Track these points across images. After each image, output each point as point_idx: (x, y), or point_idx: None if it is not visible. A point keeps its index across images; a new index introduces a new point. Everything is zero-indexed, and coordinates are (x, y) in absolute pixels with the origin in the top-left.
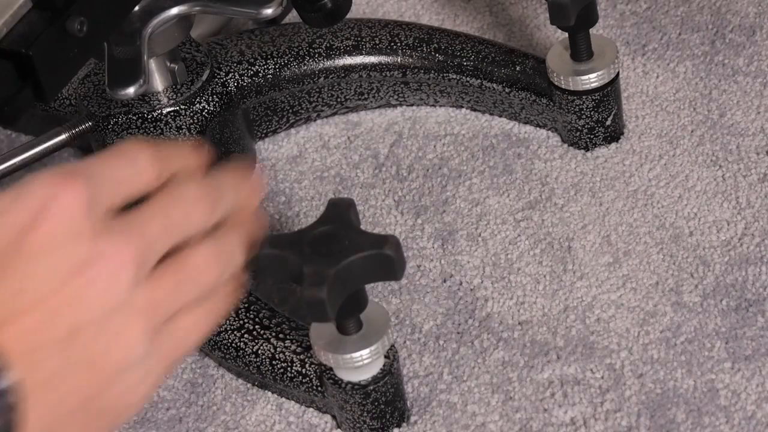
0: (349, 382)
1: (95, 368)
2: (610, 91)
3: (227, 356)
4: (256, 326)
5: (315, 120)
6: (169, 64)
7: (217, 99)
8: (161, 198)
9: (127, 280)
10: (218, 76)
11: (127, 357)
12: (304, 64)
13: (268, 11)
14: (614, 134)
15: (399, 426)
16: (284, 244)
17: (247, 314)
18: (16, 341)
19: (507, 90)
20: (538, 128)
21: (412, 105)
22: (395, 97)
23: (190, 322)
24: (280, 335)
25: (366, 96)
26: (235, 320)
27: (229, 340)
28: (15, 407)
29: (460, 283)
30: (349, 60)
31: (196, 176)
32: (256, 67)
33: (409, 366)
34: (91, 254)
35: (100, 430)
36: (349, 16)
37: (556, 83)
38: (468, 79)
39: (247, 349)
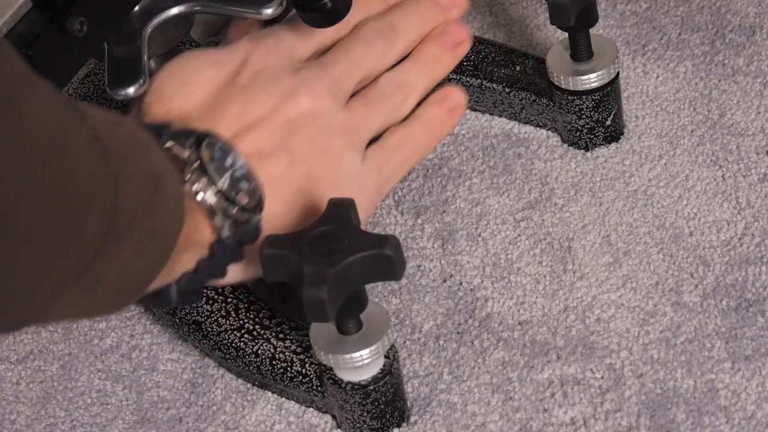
0: (349, 382)
1: (312, 176)
2: (610, 91)
3: (227, 356)
4: (256, 326)
5: None
6: None
7: None
8: (344, 41)
9: (325, 106)
10: None
11: (337, 167)
12: None
13: (268, 11)
14: (614, 134)
15: (399, 426)
16: (284, 244)
17: (247, 314)
18: (246, 150)
19: (507, 90)
20: (538, 128)
21: None
22: None
23: (396, 140)
24: (280, 335)
25: None
26: (235, 320)
27: (229, 340)
28: (258, 190)
29: (460, 283)
30: None
31: (375, 15)
32: None
33: (409, 366)
34: (293, 85)
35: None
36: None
37: (556, 83)
38: (468, 79)
39: (247, 349)
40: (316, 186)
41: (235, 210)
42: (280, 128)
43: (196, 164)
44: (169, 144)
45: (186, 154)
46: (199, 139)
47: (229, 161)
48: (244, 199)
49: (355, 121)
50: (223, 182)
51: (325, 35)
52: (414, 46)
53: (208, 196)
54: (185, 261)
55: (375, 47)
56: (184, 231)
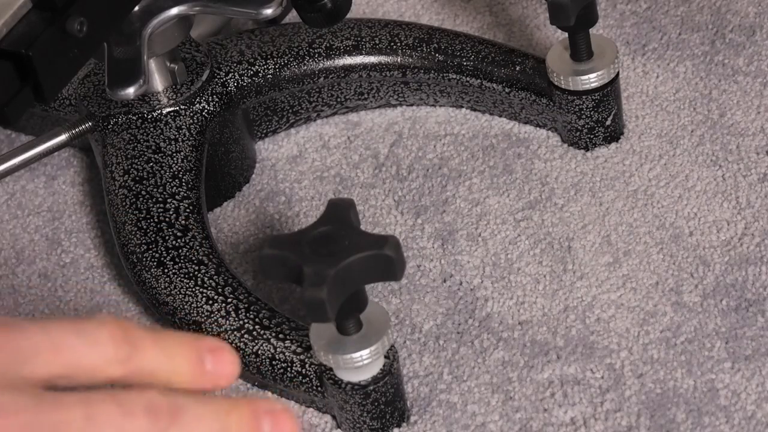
0: (349, 383)
1: None
2: (610, 91)
3: None
4: (256, 326)
5: (315, 120)
6: (169, 64)
7: (217, 99)
8: (99, 394)
9: None
10: (218, 76)
11: None
12: (304, 64)
13: (268, 11)
14: (614, 134)
15: (399, 426)
16: (284, 244)
17: (247, 314)
18: None
19: (507, 90)
20: (538, 128)
21: (412, 105)
22: (395, 97)
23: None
24: (280, 335)
25: (366, 96)
26: (235, 320)
27: (229, 340)
28: None
29: (460, 283)
30: (349, 60)
31: (185, 388)
32: (256, 67)
33: (409, 366)
34: None
35: None
36: (349, 16)
37: (556, 83)
38: (468, 79)
39: (247, 349)
40: None
41: None
42: None
43: None
44: None
45: None
46: None
47: None
48: None
49: None
50: None
51: (91, 367)
52: None
53: None
54: None
55: (134, 422)
56: None
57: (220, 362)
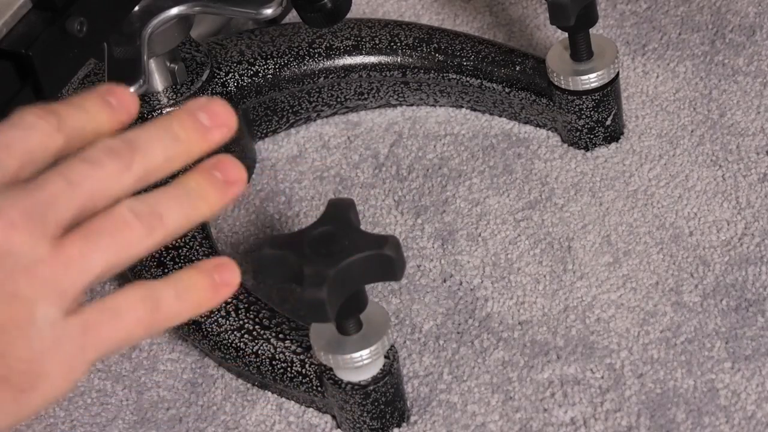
0: (349, 383)
1: None
2: (610, 91)
3: (227, 356)
4: (256, 326)
5: (315, 120)
6: (169, 64)
7: None
8: (63, 160)
9: (19, 238)
10: (218, 76)
11: (27, 317)
12: (304, 64)
13: (268, 11)
14: (614, 134)
15: (399, 426)
16: (284, 244)
17: (247, 314)
18: None
19: (507, 90)
20: (538, 128)
21: (412, 105)
22: (395, 97)
23: (127, 299)
24: (280, 335)
25: (366, 96)
26: (235, 320)
27: (229, 340)
28: None
29: (460, 283)
30: (349, 60)
31: (110, 132)
32: (256, 67)
33: (409, 366)
34: None
35: (2, 404)
36: (349, 16)
37: (556, 83)
38: (468, 79)
39: (247, 349)
40: None
41: None
42: None
43: None
44: None
45: None
46: None
47: None
48: None
49: (63, 260)
50: None
51: (42, 149)
52: (163, 170)
53: None
54: None
55: (103, 167)
56: None
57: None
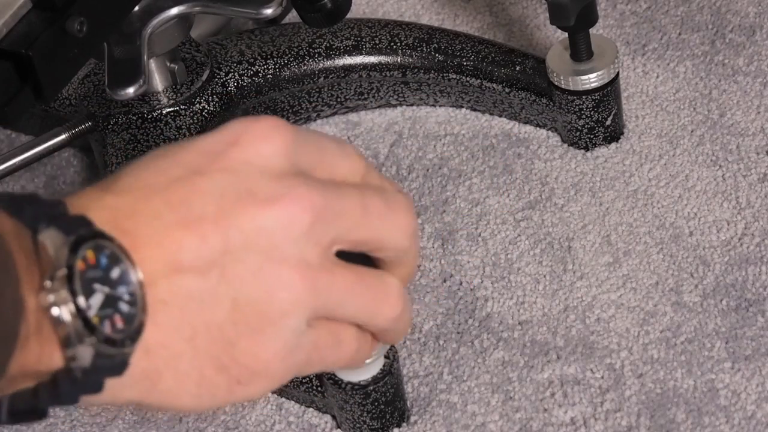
0: (349, 383)
1: (236, 309)
2: (610, 91)
3: None
4: None
5: (315, 120)
6: (169, 64)
7: (217, 99)
8: (368, 188)
9: (299, 230)
10: (218, 76)
11: (274, 314)
12: (304, 64)
13: (268, 11)
14: (614, 134)
15: (399, 426)
16: None
17: None
18: (164, 257)
19: (507, 90)
20: (538, 128)
21: (412, 105)
22: (395, 97)
23: (348, 336)
24: None
25: (366, 96)
26: None
27: None
28: (139, 313)
29: (460, 283)
30: (349, 60)
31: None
32: (256, 67)
33: (409, 366)
34: (269, 189)
35: (215, 388)
36: (349, 16)
37: (556, 83)
38: (468, 79)
39: None
40: (233, 324)
41: (94, 340)
42: (214, 236)
43: (63, 269)
44: (46, 233)
45: (55, 251)
46: (82, 237)
47: (115, 274)
48: (118, 323)
49: (327, 278)
50: (91, 301)
51: (347, 171)
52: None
53: (64, 313)
54: (20, 383)
55: (400, 220)
56: (20, 360)
57: None
